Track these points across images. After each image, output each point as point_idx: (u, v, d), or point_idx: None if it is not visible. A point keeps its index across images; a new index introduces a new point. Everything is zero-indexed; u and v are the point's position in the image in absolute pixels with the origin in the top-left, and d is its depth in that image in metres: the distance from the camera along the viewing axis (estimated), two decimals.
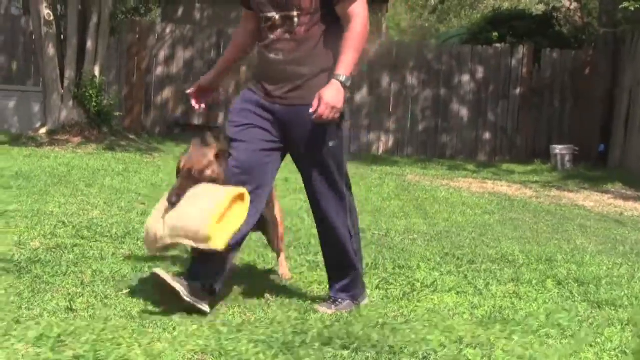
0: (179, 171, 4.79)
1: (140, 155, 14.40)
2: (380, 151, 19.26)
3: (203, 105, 5.25)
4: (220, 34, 19.39)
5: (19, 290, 5.00)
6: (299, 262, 6.32)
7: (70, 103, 15.44)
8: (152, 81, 19.45)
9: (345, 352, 4.25)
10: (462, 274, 6.26)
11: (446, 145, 19.57)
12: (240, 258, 6.20)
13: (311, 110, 4.57)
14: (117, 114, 16.51)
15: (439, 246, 7.38)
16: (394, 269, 6.29)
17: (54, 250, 6.06)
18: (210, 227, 4.49)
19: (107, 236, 6.81)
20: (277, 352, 4.18)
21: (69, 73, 15.50)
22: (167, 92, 19.42)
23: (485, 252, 7.24)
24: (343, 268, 5.12)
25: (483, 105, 19.61)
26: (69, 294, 5.04)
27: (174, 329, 4.47)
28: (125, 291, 5.16)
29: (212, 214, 4.51)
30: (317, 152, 4.84)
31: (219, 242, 4.54)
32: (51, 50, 15.35)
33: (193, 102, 5.21)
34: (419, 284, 5.85)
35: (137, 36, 19.14)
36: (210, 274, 4.83)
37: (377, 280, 5.87)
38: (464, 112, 19.62)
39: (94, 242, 6.50)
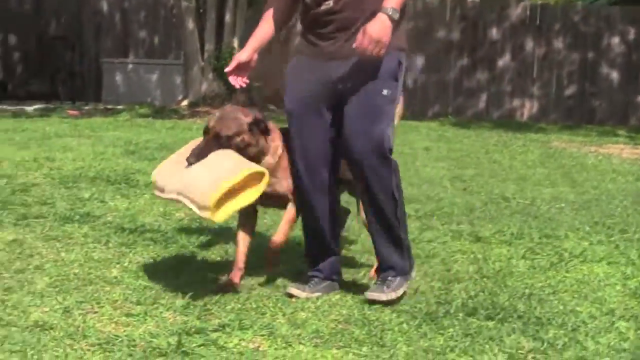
0: (206, 131, 4.49)
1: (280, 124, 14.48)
2: (525, 117, 18.86)
3: (243, 82, 4.81)
4: None
5: (165, 260, 5.12)
6: (442, 231, 6.23)
7: (210, 75, 15.72)
8: (290, 51, 19.52)
9: (491, 323, 4.18)
10: (614, 244, 6.01)
11: (595, 110, 18.97)
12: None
13: (354, 45, 4.27)
14: (256, 84, 16.67)
15: (587, 215, 7.12)
16: (540, 238, 6.09)
17: (197, 221, 6.15)
18: (213, 198, 4.16)
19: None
20: (420, 322, 4.14)
21: (209, 46, 15.76)
22: None
23: (638, 220, 6.93)
24: (388, 238, 4.65)
25: (634, 68, 18.91)
26: (214, 263, 5.12)
27: (317, 298, 4.49)
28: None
29: (221, 186, 4.19)
30: (370, 99, 4.46)
31: (218, 216, 4.26)
32: (191, 24, 15.64)
33: (231, 80, 4.81)
34: (567, 253, 5.67)
35: None
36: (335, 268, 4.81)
37: (523, 250, 5.72)
38: (614, 75, 18.97)
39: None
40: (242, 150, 4.44)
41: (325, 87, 4.51)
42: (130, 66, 17.80)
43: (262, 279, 4.82)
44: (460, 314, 4.28)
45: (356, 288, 4.74)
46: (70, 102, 17.78)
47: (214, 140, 4.42)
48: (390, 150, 4.59)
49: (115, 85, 17.87)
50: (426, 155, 10.88)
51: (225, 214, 4.28)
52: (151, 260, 5.13)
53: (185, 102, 15.75)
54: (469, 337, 3.99)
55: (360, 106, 4.46)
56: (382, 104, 4.47)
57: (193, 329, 3.93)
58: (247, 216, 4.75)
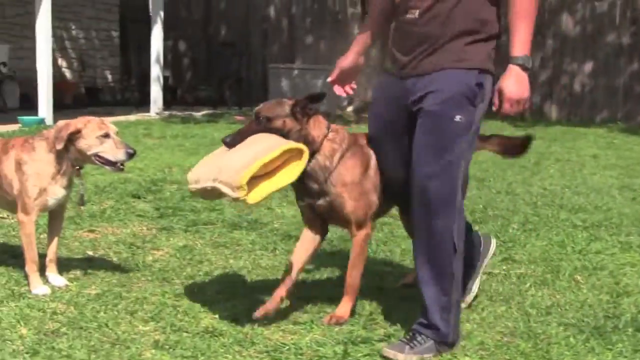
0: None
1: None
2: None
3: (350, 90, 4.54)
4: None
5: (332, 268, 5.29)
6: (610, 242, 6.12)
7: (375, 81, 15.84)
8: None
9: None
10: None
11: None
12: (548, 238, 6.15)
13: (494, 109, 3.89)
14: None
15: None
16: None
17: None
18: (245, 176, 3.81)
19: None
20: (587, 337, 4.12)
21: (374, 52, 15.88)
22: None
23: None
24: (437, 292, 3.96)
25: None
26: (378, 272, 5.22)
27: (482, 309, 4.53)
28: None
29: (252, 163, 3.85)
30: (439, 125, 3.91)
31: (252, 197, 3.91)
32: (356, 30, 15.81)
33: (336, 89, 4.53)
34: None
35: None
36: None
37: None
38: None
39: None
40: (284, 135, 4.10)
41: (401, 107, 4.06)
42: (296, 72, 18.06)
43: None
44: (630, 329, 4.23)
45: (521, 298, 4.76)
46: (237, 107, 18.24)
47: (255, 122, 4.18)
48: (461, 188, 4.01)
49: (281, 91, 18.19)
50: (594, 163, 10.69)
51: (259, 195, 3.94)
52: (317, 269, 5.26)
53: (350, 108, 15.91)
54: (639, 354, 3.95)
55: (427, 132, 3.93)
56: (452, 131, 3.88)
57: (359, 339, 4.02)
58: (311, 226, 4.38)
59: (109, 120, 4.82)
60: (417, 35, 3.97)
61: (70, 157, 4.62)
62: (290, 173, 4.02)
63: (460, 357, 3.88)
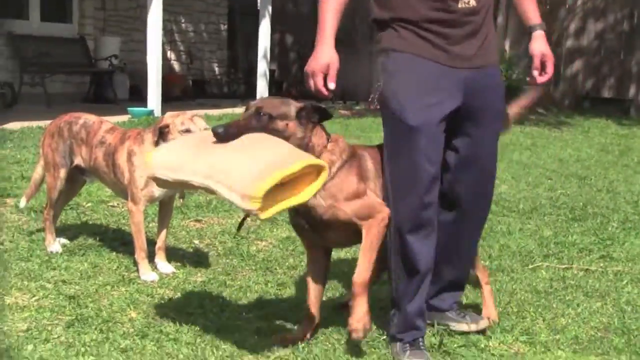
0: (247, 108, 3.75)
1: (549, 129, 14.40)
2: None
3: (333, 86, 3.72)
4: (635, 3, 18.81)
5: None
6: None
7: None
8: (562, 54, 19.30)
9: None
10: None
11: None
12: None
13: (538, 78, 3.98)
14: (525, 87, 16.60)
15: None
16: None
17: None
18: (262, 188, 3.36)
19: (514, 211, 7.00)
20: None
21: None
22: (577, 65, 19.20)
23: None
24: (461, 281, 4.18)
25: None
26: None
27: (578, 305, 4.59)
28: (530, 266, 5.35)
29: (272, 175, 3.39)
30: (499, 126, 3.92)
31: (267, 212, 3.45)
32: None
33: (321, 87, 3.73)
34: None
35: (548, 7, 19.07)
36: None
37: None
38: None
39: (502, 217, 6.72)
40: (284, 138, 3.64)
41: (454, 100, 3.73)
42: None
43: (524, 284, 4.96)
44: None
45: (617, 295, 4.80)
46: (341, 101, 18.39)
47: (254, 118, 3.67)
48: None
49: None
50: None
51: (274, 211, 3.49)
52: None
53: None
54: None
55: (495, 132, 3.89)
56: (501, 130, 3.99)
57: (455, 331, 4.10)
58: (315, 260, 4.06)
59: (214, 112, 4.97)
60: (472, 25, 3.72)
61: None
62: (308, 192, 3.58)
63: (554, 350, 3.95)
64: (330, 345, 3.90)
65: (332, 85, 3.71)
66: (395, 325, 3.86)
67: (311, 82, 3.70)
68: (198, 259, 5.28)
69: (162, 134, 4.75)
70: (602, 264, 5.48)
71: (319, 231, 3.85)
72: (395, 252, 3.80)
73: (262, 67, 16.09)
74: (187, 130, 4.67)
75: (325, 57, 3.73)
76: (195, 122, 4.74)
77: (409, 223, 3.73)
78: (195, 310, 4.29)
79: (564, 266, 5.39)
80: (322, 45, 3.76)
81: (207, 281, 4.83)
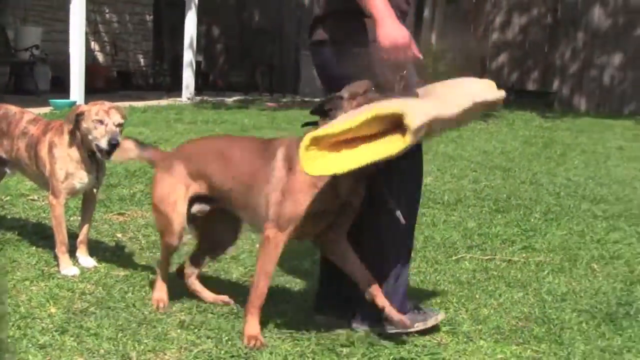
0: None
1: (474, 121, 14.48)
2: None
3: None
4: None
5: None
6: (629, 232, 6.25)
7: None
8: (488, 47, 19.53)
9: None
10: None
11: None
12: (568, 227, 6.23)
13: None
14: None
15: None
16: None
17: None
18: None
19: (439, 202, 7.05)
20: (599, 322, 4.24)
21: None
22: (502, 58, 19.45)
23: None
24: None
25: None
26: None
27: (500, 295, 4.63)
28: (454, 257, 5.39)
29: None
30: None
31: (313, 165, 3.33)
32: None
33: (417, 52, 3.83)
34: None
35: (474, 1, 19.28)
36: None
37: None
38: None
39: (427, 209, 6.76)
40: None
41: None
42: None
43: (448, 275, 5.00)
44: None
45: (538, 285, 4.86)
46: (268, 94, 18.37)
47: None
48: None
49: (313, 78, 18.27)
50: (619, 155, 10.76)
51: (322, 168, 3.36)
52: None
53: None
54: None
55: None
56: None
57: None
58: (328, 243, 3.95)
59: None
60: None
61: (77, 140, 4.71)
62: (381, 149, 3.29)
63: (476, 340, 3.96)
64: None
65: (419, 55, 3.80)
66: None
67: (399, 53, 3.59)
68: (121, 253, 5.21)
69: (78, 123, 4.66)
70: (524, 255, 5.55)
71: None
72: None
73: (188, 57, 16.01)
74: (100, 122, 4.58)
75: (403, 28, 3.63)
76: (110, 114, 4.64)
77: None
78: (117, 304, 4.22)
79: (487, 257, 5.44)
80: (393, 19, 3.63)
81: (130, 275, 4.75)
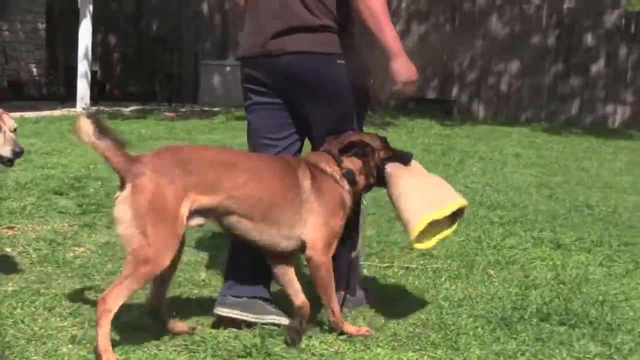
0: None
1: (375, 130, 14.56)
2: (617, 123, 18.65)
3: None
4: (455, 7, 19.37)
5: None
6: (524, 237, 6.32)
7: None
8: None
9: (562, 328, 4.31)
10: None
11: None
12: (466, 234, 6.28)
13: None
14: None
15: None
16: (619, 246, 6.18)
17: None
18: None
19: None
20: (494, 327, 4.28)
21: None
22: None
23: None
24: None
25: None
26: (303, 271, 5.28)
27: (397, 303, 4.66)
28: None
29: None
30: None
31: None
32: None
33: None
34: None
35: None
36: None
37: (601, 257, 5.81)
38: None
39: None
40: None
41: None
42: (228, 68, 17.98)
43: None
44: (534, 319, 4.40)
45: (435, 291, 4.89)
46: (167, 103, 18.19)
47: None
48: None
49: (212, 87, 18.19)
50: (515, 162, 10.94)
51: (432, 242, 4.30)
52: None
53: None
54: (540, 342, 4.12)
55: None
56: None
57: (275, 332, 4.09)
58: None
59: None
60: None
61: None
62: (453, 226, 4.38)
63: (373, 348, 3.97)
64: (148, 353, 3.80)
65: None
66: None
67: (411, 87, 4.26)
68: (10, 267, 5.06)
69: None
70: (422, 262, 5.58)
71: None
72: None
73: (83, 67, 15.75)
74: None
75: (413, 65, 4.26)
76: (4, 120, 4.51)
77: None
78: (4, 321, 4.10)
79: (385, 265, 5.46)
80: (406, 55, 4.24)
81: (19, 290, 4.61)
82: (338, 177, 4.14)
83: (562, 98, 18.45)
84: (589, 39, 18.45)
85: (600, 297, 4.86)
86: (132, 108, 16.73)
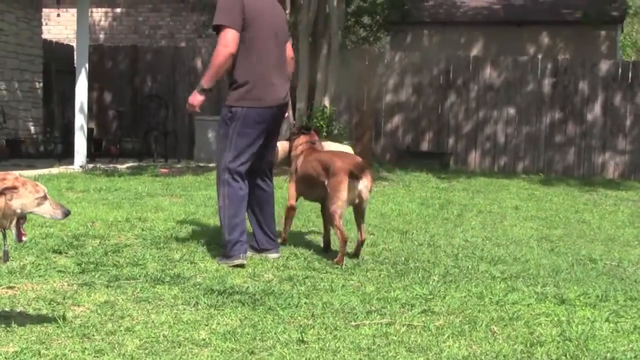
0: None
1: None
2: (615, 174, 18.70)
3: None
4: (450, 59, 19.50)
5: (253, 322, 5.25)
6: (527, 293, 6.25)
7: None
8: (382, 108, 19.78)
9: None
10: None
11: None
12: (467, 289, 6.23)
13: None
14: (346, 143, 16.89)
15: None
16: (625, 300, 6.10)
17: (286, 281, 6.31)
18: None
19: (337, 267, 7.00)
20: None
21: (301, 105, 16.00)
22: (396, 120, 19.70)
23: None
24: None
25: None
26: (300, 325, 5.24)
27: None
28: (353, 323, 5.32)
29: None
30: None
31: None
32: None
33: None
34: None
35: (367, 63, 19.52)
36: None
37: (607, 313, 5.73)
38: None
39: (324, 274, 6.70)
40: None
41: None
42: None
43: (347, 342, 4.93)
44: None
45: (438, 349, 4.83)
46: (162, 159, 18.21)
47: None
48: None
49: (207, 143, 18.25)
50: (515, 215, 10.93)
51: None
52: (238, 322, 5.26)
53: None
54: None
55: None
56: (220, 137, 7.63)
57: None
58: None
59: (30, 172, 4.83)
60: None
61: None
62: None
63: None
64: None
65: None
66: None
67: (192, 109, 7.62)
68: (10, 328, 4.99)
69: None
70: (424, 319, 5.51)
71: None
72: None
73: (80, 122, 15.79)
74: (45, 197, 4.63)
75: None
76: (39, 188, 4.67)
77: None
78: None
79: (386, 322, 5.39)
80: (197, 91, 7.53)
81: (20, 351, 4.55)
82: None
83: (559, 147, 18.69)
84: (585, 87, 18.63)
85: (609, 355, 4.79)
86: (127, 165, 16.74)
